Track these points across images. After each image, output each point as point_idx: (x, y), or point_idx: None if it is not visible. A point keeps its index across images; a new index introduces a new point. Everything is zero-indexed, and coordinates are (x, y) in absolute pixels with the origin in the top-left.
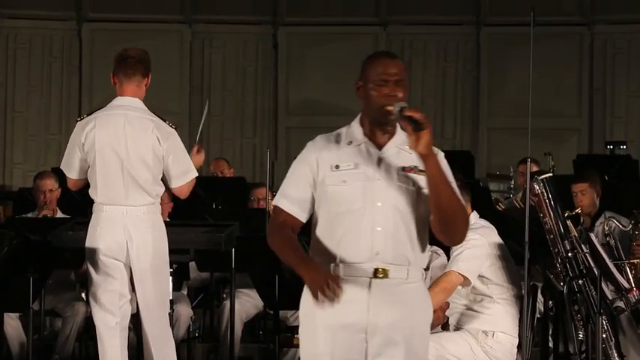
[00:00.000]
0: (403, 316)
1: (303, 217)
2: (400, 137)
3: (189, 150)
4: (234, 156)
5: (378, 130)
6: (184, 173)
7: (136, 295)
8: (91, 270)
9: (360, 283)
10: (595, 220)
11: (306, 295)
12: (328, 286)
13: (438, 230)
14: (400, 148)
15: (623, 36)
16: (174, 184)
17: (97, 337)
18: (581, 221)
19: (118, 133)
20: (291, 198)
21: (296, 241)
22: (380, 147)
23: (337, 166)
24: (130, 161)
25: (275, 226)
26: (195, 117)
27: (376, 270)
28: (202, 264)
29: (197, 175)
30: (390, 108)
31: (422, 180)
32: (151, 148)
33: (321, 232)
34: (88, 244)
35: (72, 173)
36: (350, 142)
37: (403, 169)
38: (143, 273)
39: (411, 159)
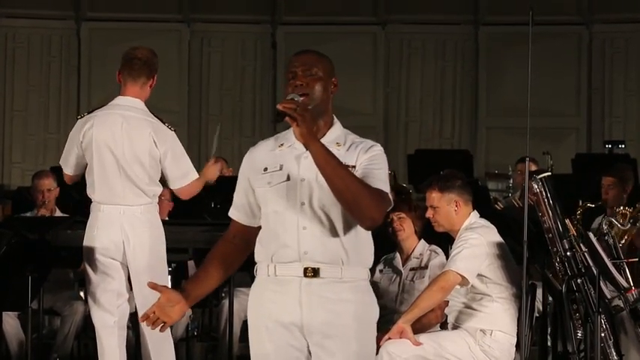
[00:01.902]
0: (338, 314)
1: (248, 221)
2: (334, 134)
3: (187, 150)
4: (232, 155)
5: None
6: (184, 175)
7: (133, 294)
8: (89, 269)
9: (292, 283)
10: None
11: (250, 297)
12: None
13: (349, 215)
14: (328, 145)
15: (622, 35)
16: (174, 186)
17: (96, 336)
18: (606, 214)
19: (115, 133)
20: (235, 205)
21: (217, 254)
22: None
23: (265, 169)
24: (126, 161)
25: (222, 237)
26: (194, 116)
27: (305, 269)
28: (201, 263)
29: (197, 176)
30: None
31: None
32: (147, 150)
33: (260, 233)
34: (86, 243)
35: (68, 169)
36: (281, 145)
37: None
38: (140, 272)
39: (338, 155)
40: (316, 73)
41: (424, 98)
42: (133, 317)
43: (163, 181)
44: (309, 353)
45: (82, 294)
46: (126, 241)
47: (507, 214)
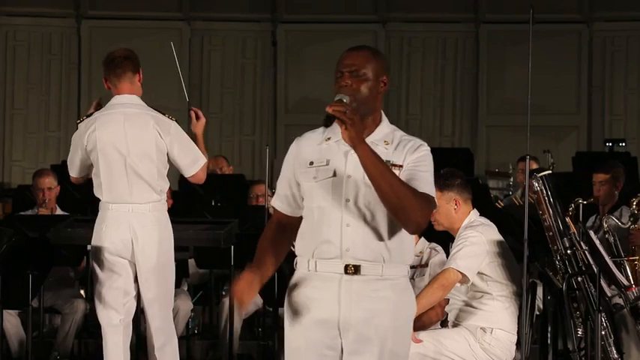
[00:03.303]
0: (376, 313)
1: (291, 212)
2: (382, 132)
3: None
4: (233, 153)
5: None
6: (195, 161)
7: (139, 293)
8: (96, 268)
9: (331, 280)
10: (611, 212)
11: (288, 290)
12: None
13: (394, 218)
14: (376, 144)
15: (622, 33)
16: (188, 174)
17: (102, 334)
18: (599, 212)
19: (118, 131)
20: (279, 195)
21: (267, 241)
22: None
23: (312, 163)
24: (132, 158)
25: (267, 223)
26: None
27: (346, 266)
28: (201, 261)
29: (206, 160)
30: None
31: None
32: (153, 143)
33: (302, 227)
34: (94, 242)
35: (73, 171)
36: (328, 139)
37: None
38: (148, 271)
39: (386, 154)
40: (363, 75)
41: (424, 96)
42: (137, 316)
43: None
44: (342, 352)
45: (82, 292)
46: (134, 240)
47: (508, 213)
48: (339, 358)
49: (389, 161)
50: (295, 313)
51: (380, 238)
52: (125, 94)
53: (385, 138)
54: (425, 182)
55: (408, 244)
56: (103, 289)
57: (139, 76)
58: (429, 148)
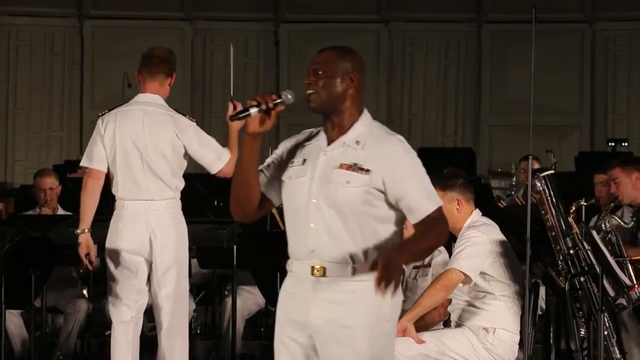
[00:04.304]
0: (345, 314)
1: (264, 187)
2: (356, 131)
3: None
4: None
5: (327, 124)
6: (219, 157)
7: (150, 291)
8: (111, 266)
9: (304, 281)
10: (613, 212)
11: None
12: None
13: None
14: (348, 145)
15: (625, 33)
16: (214, 170)
17: (112, 330)
18: (601, 212)
19: (137, 127)
20: (262, 167)
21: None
22: (330, 142)
23: (292, 162)
24: (149, 154)
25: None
26: (197, 114)
27: (312, 268)
28: (204, 261)
29: (230, 155)
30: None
31: (361, 178)
32: (169, 143)
33: (286, 227)
34: (110, 240)
35: (94, 163)
36: (311, 139)
37: (340, 165)
38: (166, 269)
39: (355, 156)
40: (327, 73)
41: (427, 96)
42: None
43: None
44: (316, 353)
45: (85, 292)
46: (153, 237)
47: (510, 212)
48: (313, 358)
49: (356, 164)
50: (278, 312)
51: (347, 239)
52: (151, 93)
53: (358, 138)
54: (422, 198)
55: (384, 247)
56: (118, 286)
57: (171, 80)
58: (405, 146)
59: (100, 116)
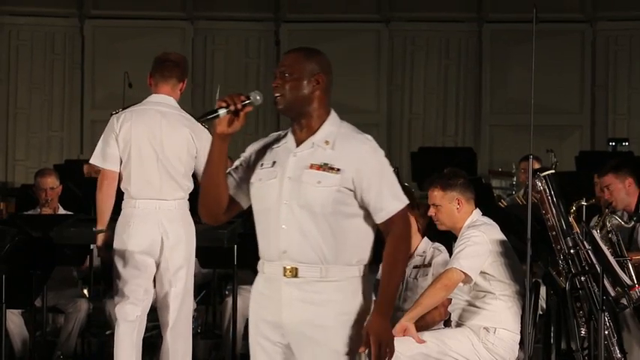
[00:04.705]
0: (318, 314)
1: (233, 191)
2: (324, 131)
3: None
4: (236, 152)
5: (295, 125)
6: None
7: (156, 290)
8: (119, 265)
9: (275, 281)
10: (614, 212)
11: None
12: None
13: None
14: (317, 145)
15: (625, 33)
16: None
17: (115, 328)
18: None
19: (154, 127)
20: (230, 170)
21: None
22: (299, 144)
23: (262, 165)
24: (164, 154)
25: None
26: (197, 113)
27: (284, 269)
28: (205, 260)
29: None
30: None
31: (332, 177)
32: (185, 145)
33: (256, 229)
34: (119, 239)
35: (107, 164)
36: (279, 141)
37: (311, 166)
38: (178, 268)
39: (325, 156)
40: (293, 75)
41: (427, 96)
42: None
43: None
44: (292, 351)
45: (85, 291)
46: (165, 237)
47: (511, 212)
48: (289, 357)
49: (327, 164)
50: (251, 314)
51: (318, 239)
52: (163, 94)
53: (327, 138)
54: (388, 197)
55: (356, 246)
56: (125, 285)
57: (182, 85)
58: (373, 144)
59: (113, 114)
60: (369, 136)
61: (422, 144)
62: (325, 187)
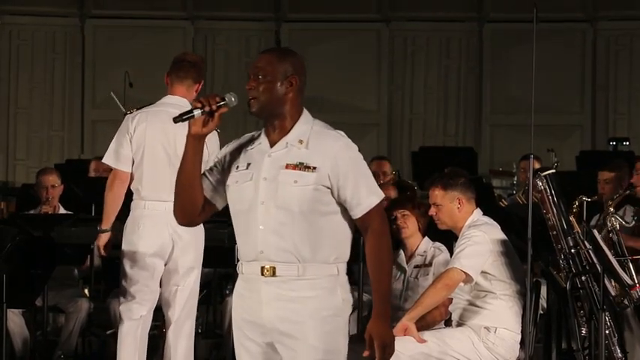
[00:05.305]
0: (296, 312)
1: (209, 193)
2: (297, 131)
3: None
4: None
5: (268, 127)
6: None
7: (162, 289)
8: (127, 265)
9: (254, 281)
10: (617, 208)
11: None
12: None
13: None
14: (292, 145)
15: (626, 32)
16: None
17: (119, 328)
18: (603, 210)
19: (167, 129)
20: (204, 172)
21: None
22: (272, 144)
23: (237, 167)
24: (177, 157)
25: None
26: None
27: (262, 268)
28: (205, 260)
29: None
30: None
31: (308, 176)
32: None
33: (234, 230)
34: (128, 240)
35: (120, 165)
36: (253, 142)
37: (287, 166)
38: (188, 268)
39: (299, 155)
40: (266, 77)
41: (428, 95)
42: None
43: None
44: (276, 350)
45: (86, 291)
46: (176, 238)
47: (512, 212)
48: (273, 356)
49: (302, 163)
50: (234, 314)
51: (294, 239)
52: (178, 95)
53: (300, 137)
54: (364, 193)
55: (334, 244)
56: (132, 286)
57: (198, 87)
58: (346, 141)
59: (127, 114)
60: (342, 132)
61: (422, 144)
62: (302, 186)
